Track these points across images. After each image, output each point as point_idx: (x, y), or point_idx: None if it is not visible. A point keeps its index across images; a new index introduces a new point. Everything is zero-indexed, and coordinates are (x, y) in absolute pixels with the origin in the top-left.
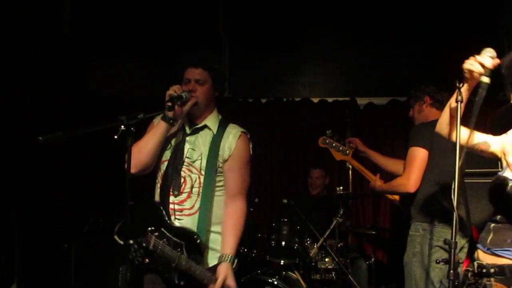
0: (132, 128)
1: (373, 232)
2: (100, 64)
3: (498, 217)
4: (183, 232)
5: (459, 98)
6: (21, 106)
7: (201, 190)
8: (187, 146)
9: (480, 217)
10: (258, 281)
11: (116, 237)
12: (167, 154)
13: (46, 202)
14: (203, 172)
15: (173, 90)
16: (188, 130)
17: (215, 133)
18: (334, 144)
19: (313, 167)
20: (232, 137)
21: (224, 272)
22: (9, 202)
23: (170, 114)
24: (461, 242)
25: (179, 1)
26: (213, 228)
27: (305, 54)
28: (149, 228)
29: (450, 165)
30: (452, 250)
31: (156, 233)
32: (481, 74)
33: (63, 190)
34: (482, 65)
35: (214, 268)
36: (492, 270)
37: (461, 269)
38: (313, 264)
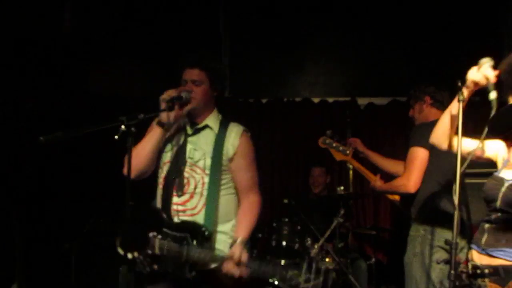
0: (132, 129)
1: (374, 232)
2: (101, 65)
3: (493, 217)
4: (184, 226)
5: (461, 97)
6: (21, 106)
7: (205, 190)
8: (189, 147)
9: (480, 218)
10: (259, 281)
11: (119, 249)
12: (169, 156)
13: (46, 202)
14: (207, 172)
15: (168, 95)
16: (189, 131)
17: (217, 132)
18: (334, 145)
19: (314, 165)
20: (235, 135)
21: (237, 249)
22: (9, 202)
23: (165, 118)
24: (462, 242)
25: (180, 2)
26: (218, 228)
27: (306, 54)
28: (151, 234)
29: (450, 165)
30: (453, 250)
31: (159, 236)
32: (486, 86)
33: (63, 190)
34: (487, 78)
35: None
36: (486, 271)
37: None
38: (313, 264)
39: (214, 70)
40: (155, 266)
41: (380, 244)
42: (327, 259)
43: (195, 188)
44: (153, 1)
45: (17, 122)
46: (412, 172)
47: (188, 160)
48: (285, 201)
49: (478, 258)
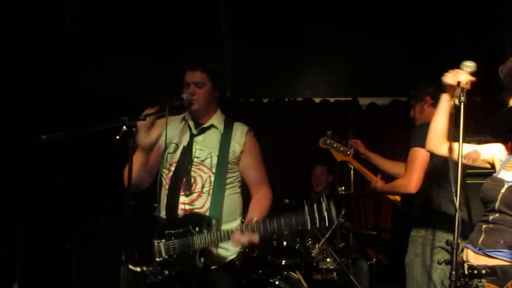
0: (134, 129)
1: (375, 233)
2: (102, 64)
3: (491, 218)
4: (185, 220)
5: (462, 98)
6: (22, 106)
7: (211, 189)
8: (195, 146)
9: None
10: (260, 281)
11: (131, 267)
12: (176, 156)
13: (47, 202)
14: (214, 170)
15: (150, 111)
16: (195, 131)
17: (222, 131)
18: (334, 145)
19: (316, 164)
20: (240, 134)
21: (250, 223)
22: (10, 202)
23: (143, 140)
24: (463, 243)
25: (181, 2)
26: (223, 227)
27: (307, 54)
28: (155, 241)
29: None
30: (454, 251)
31: (163, 239)
32: (458, 87)
33: (64, 190)
34: (459, 83)
35: (226, 264)
36: (483, 271)
37: None
38: (314, 264)
39: (215, 70)
40: (166, 272)
41: (381, 245)
42: (328, 259)
43: (203, 187)
44: (154, 1)
45: (18, 122)
46: (413, 173)
47: (195, 159)
48: (286, 201)
49: (474, 258)
